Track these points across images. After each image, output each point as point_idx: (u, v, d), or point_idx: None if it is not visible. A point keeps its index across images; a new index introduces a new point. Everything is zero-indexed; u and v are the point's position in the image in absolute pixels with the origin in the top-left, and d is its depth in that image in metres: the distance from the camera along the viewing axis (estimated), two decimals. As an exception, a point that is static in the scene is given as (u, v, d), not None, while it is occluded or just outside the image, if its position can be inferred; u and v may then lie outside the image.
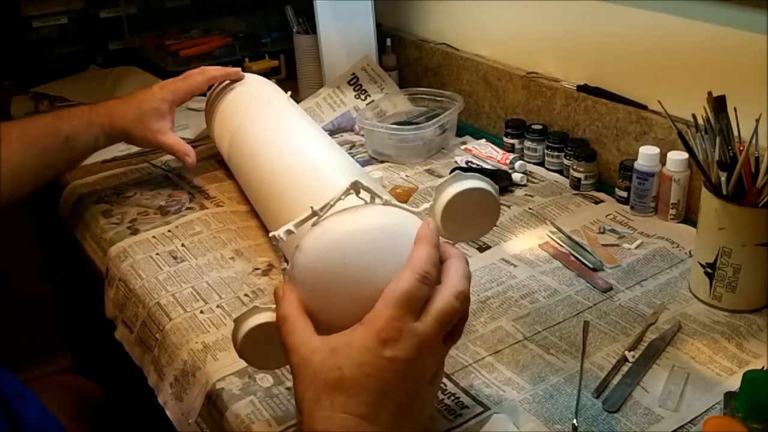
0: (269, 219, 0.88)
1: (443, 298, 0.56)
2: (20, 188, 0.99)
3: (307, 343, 0.56)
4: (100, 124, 1.02)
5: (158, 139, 1.05)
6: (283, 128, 0.96)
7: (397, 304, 0.54)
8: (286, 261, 0.62)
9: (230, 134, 1.01)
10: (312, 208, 0.60)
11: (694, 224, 0.86)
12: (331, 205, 0.60)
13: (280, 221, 0.72)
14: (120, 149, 1.19)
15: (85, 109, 1.02)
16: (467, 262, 0.60)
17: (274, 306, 0.61)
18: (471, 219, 0.63)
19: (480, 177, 0.63)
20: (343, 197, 0.61)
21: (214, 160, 1.17)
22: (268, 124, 0.98)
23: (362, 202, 0.62)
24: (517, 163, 1.10)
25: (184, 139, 1.23)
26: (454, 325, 0.58)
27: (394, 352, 0.53)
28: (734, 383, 0.68)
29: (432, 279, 0.56)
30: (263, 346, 0.62)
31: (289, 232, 0.62)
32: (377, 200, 0.62)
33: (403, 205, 0.63)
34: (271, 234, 0.62)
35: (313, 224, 0.60)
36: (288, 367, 0.58)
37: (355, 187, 0.62)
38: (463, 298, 0.57)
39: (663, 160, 0.96)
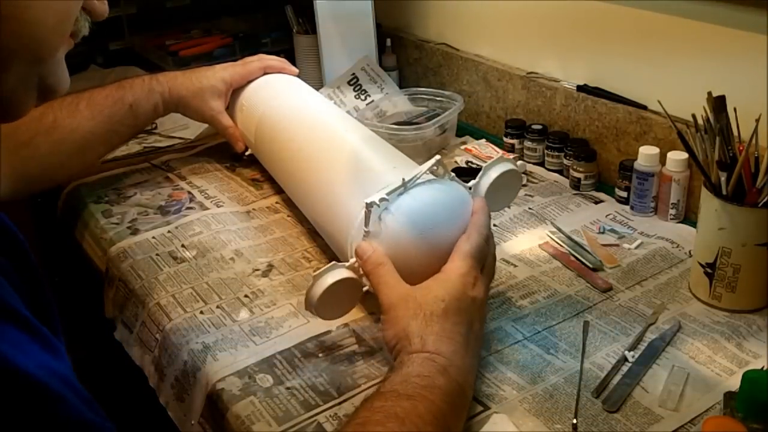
0: (312, 192, 0.89)
1: (491, 259, 0.75)
2: (94, 153, 1.05)
3: (403, 284, 0.69)
4: (160, 92, 1.06)
5: (214, 117, 1.10)
6: (321, 111, 1.00)
7: (474, 256, 0.70)
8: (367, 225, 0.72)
9: (263, 110, 1.04)
10: (403, 179, 0.72)
11: (694, 224, 0.86)
12: (418, 177, 0.72)
13: (333, 197, 0.83)
14: (120, 149, 1.19)
15: (146, 78, 1.07)
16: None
17: (348, 263, 0.72)
18: (502, 193, 0.80)
19: (509, 160, 0.80)
20: (427, 171, 0.73)
21: (215, 160, 1.17)
22: (305, 105, 1.02)
23: (432, 176, 0.74)
24: (517, 163, 1.10)
25: (183, 139, 1.23)
26: None
27: (475, 293, 0.69)
28: (734, 383, 0.68)
29: (491, 240, 0.75)
30: (334, 299, 0.72)
31: (383, 199, 0.71)
32: (446, 176, 0.75)
33: (460, 181, 0.77)
34: (367, 200, 0.71)
35: (400, 193, 0.72)
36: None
37: (437, 164, 0.74)
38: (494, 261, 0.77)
39: (663, 160, 0.96)
